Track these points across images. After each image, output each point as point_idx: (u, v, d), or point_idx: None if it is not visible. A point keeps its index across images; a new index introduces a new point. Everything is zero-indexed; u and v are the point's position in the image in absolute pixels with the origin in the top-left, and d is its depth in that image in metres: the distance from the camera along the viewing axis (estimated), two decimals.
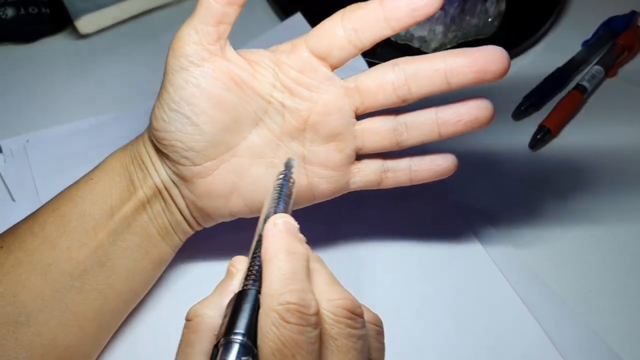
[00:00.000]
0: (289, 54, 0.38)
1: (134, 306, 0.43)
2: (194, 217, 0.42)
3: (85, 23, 0.62)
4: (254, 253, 0.30)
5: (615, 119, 0.57)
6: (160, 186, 0.41)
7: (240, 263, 0.30)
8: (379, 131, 0.40)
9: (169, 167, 0.40)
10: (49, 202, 0.41)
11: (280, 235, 0.29)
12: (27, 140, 0.55)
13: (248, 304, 0.27)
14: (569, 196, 0.52)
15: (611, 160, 0.54)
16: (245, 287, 0.28)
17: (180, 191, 0.41)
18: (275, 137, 0.39)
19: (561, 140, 0.56)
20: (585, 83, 0.58)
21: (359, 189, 0.42)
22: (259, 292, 0.28)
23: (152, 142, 0.40)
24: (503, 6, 0.60)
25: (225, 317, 0.28)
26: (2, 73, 0.62)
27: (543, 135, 0.55)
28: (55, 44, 0.64)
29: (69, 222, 0.40)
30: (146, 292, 0.43)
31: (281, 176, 0.33)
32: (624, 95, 0.59)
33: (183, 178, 0.40)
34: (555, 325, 0.43)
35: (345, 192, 0.42)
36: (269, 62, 0.39)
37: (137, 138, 0.42)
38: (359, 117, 0.40)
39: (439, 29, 0.58)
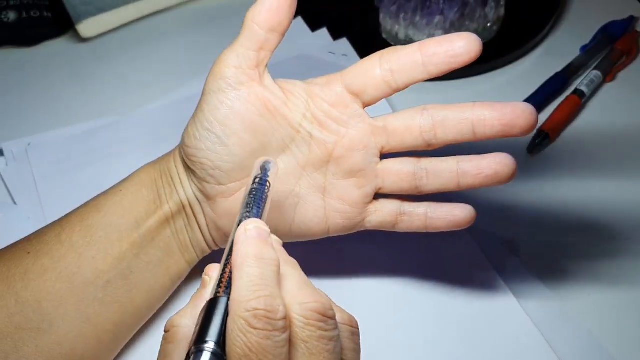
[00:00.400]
0: (323, 87, 0.39)
1: (146, 321, 0.43)
2: (212, 237, 0.42)
3: (87, 27, 0.63)
4: (226, 260, 0.30)
5: (613, 123, 0.57)
6: (185, 202, 0.41)
7: (214, 271, 0.31)
8: (399, 173, 0.40)
9: (195, 184, 0.41)
10: (76, 210, 0.42)
11: (250, 241, 0.29)
12: (29, 144, 0.56)
13: (219, 312, 0.28)
14: (567, 201, 0.52)
15: (610, 165, 0.54)
16: (216, 295, 0.29)
17: (202, 209, 0.41)
18: (299, 166, 0.40)
19: (559, 145, 0.56)
20: (583, 88, 0.58)
21: (373, 229, 0.42)
22: (230, 299, 0.28)
23: (182, 158, 0.41)
24: (502, 11, 0.61)
25: (196, 326, 0.28)
26: (3, 76, 0.63)
27: (541, 140, 0.55)
28: (57, 48, 0.65)
29: (95, 232, 0.40)
30: (159, 306, 0.44)
31: (257, 180, 0.33)
32: (622, 100, 0.59)
33: (207, 196, 0.40)
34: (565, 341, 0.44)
35: (359, 229, 0.42)
36: (302, 93, 0.40)
37: (169, 153, 0.43)
38: (383, 157, 0.40)
39: (439, 34, 0.58)
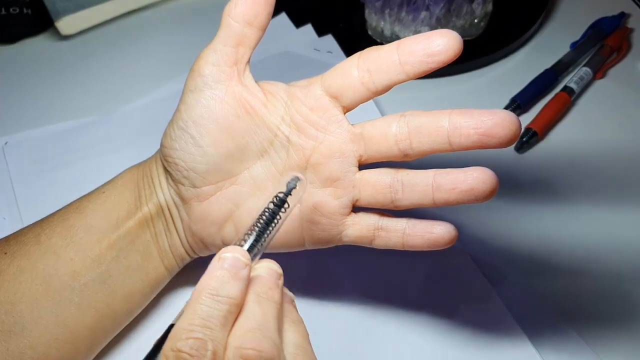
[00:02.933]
0: (303, 89, 0.38)
1: (123, 327, 0.42)
2: (188, 243, 0.41)
3: (66, 24, 0.62)
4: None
5: (603, 121, 0.57)
6: (164, 205, 0.40)
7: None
8: (376, 184, 0.37)
9: (172, 187, 0.39)
10: (58, 211, 0.41)
11: (216, 272, 0.28)
12: (6, 143, 0.55)
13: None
14: (555, 200, 0.51)
15: (599, 163, 0.53)
16: (173, 322, 0.28)
17: (179, 212, 0.40)
18: (277, 171, 0.38)
19: (548, 143, 0.55)
20: (573, 85, 0.57)
21: (351, 243, 0.39)
22: None
23: (161, 159, 0.40)
24: (490, 7, 0.60)
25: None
26: None
27: (529, 138, 0.54)
28: (37, 45, 0.64)
29: (75, 233, 0.39)
30: (137, 314, 0.43)
31: (276, 198, 0.31)
32: (612, 97, 0.58)
33: (182, 199, 0.39)
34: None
35: (336, 244, 0.40)
36: (283, 95, 0.38)
37: (152, 156, 0.42)
38: (362, 167, 0.38)
39: (425, 30, 0.57)
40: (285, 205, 0.31)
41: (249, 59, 0.38)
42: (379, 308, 0.45)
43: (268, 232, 0.30)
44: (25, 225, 0.42)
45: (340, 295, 0.46)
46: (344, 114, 0.38)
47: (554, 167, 0.53)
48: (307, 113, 0.37)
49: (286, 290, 0.30)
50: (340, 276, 0.47)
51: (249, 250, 0.30)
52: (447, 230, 0.37)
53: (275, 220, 0.31)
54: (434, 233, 0.37)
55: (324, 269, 0.47)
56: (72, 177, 0.52)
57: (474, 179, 0.35)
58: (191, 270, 0.44)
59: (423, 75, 0.35)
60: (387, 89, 0.36)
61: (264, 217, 0.31)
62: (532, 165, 0.53)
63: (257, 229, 0.30)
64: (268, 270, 0.30)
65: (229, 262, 0.28)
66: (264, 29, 0.37)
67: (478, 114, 0.34)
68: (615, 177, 0.52)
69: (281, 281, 0.30)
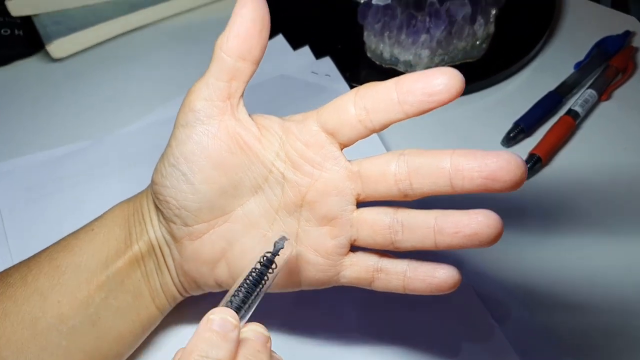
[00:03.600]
0: (299, 124, 0.36)
1: None
2: (180, 282, 0.40)
3: (58, 47, 0.60)
4: None
5: (609, 145, 0.55)
6: (155, 243, 0.39)
7: None
8: (374, 224, 0.35)
9: (163, 225, 0.38)
10: (46, 249, 0.40)
11: (205, 334, 0.28)
12: None
13: None
14: (560, 229, 0.49)
15: (605, 190, 0.52)
16: None
17: (170, 251, 0.39)
18: (272, 209, 0.37)
19: (552, 169, 0.53)
20: (577, 108, 0.56)
21: (349, 285, 0.38)
22: None
23: (152, 195, 0.38)
24: (492, 28, 0.58)
25: None
26: None
27: (533, 164, 0.52)
28: (28, 67, 0.62)
29: (63, 273, 0.38)
30: (129, 355, 0.41)
31: (263, 258, 0.31)
32: (618, 120, 0.57)
33: (174, 237, 0.38)
34: None
35: (334, 285, 0.38)
36: (278, 129, 0.36)
37: (143, 191, 0.40)
38: (361, 204, 0.36)
39: (425, 53, 0.55)
40: (273, 266, 0.30)
41: (243, 93, 0.36)
42: (379, 343, 0.43)
43: (256, 292, 0.30)
44: (15, 259, 0.40)
45: (339, 329, 0.44)
46: (341, 150, 0.36)
47: (558, 194, 0.52)
48: (303, 149, 0.36)
49: (274, 353, 0.30)
50: (339, 309, 0.45)
51: (237, 311, 0.29)
52: (450, 274, 0.35)
53: (263, 281, 0.30)
54: (436, 277, 0.35)
55: (323, 303, 0.45)
56: (64, 207, 0.51)
57: (478, 223, 0.33)
58: (183, 308, 0.42)
59: (423, 114, 0.34)
60: (385, 127, 0.35)
61: (251, 277, 0.30)
62: (537, 192, 0.52)
63: (244, 289, 0.30)
64: (255, 333, 0.29)
65: (218, 323, 0.28)
66: (258, 63, 0.36)
67: (481, 155, 0.33)
68: (622, 205, 0.51)
69: (269, 344, 0.29)
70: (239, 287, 0.30)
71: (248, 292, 0.30)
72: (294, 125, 0.36)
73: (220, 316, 0.28)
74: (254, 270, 0.30)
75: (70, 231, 0.40)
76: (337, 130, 0.35)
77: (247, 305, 0.30)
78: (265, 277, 0.30)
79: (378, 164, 0.35)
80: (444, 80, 0.33)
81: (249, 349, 0.28)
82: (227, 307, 0.30)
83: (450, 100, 0.33)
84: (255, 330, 0.29)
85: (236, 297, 0.29)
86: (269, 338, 0.30)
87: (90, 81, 0.61)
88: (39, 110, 0.59)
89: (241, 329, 0.29)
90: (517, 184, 0.33)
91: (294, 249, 0.31)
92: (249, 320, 0.31)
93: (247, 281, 0.30)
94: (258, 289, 0.30)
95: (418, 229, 0.35)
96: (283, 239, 0.31)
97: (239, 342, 0.28)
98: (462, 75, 0.33)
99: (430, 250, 0.35)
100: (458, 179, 0.33)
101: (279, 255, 0.31)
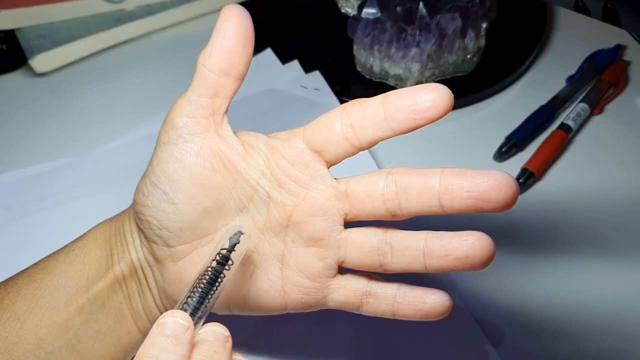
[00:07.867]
0: (284, 142, 0.35)
1: None
2: (164, 304, 0.38)
3: (41, 61, 0.59)
4: None
5: (602, 159, 0.54)
6: (137, 264, 0.37)
7: None
8: (363, 246, 0.34)
9: (145, 245, 0.37)
10: (24, 271, 0.38)
11: (157, 340, 0.27)
12: None
13: None
14: (555, 245, 0.49)
15: (600, 204, 0.51)
16: None
17: (153, 273, 0.37)
18: (257, 229, 0.35)
19: (545, 184, 0.53)
20: (570, 122, 0.55)
21: (336, 308, 0.36)
22: None
23: (134, 215, 0.37)
24: (483, 41, 0.58)
25: None
26: None
27: (526, 179, 0.52)
28: (10, 82, 0.61)
29: (42, 296, 0.36)
30: None
31: (218, 255, 0.29)
32: (610, 133, 0.56)
33: (156, 258, 0.36)
34: None
35: (321, 308, 0.37)
36: (263, 147, 0.35)
37: (126, 210, 0.39)
38: (349, 224, 0.35)
39: (415, 67, 0.55)
40: (229, 263, 0.29)
41: (227, 109, 0.35)
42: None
43: (212, 292, 0.29)
44: None
45: (331, 352, 0.43)
46: (328, 168, 0.35)
47: (551, 210, 0.51)
48: (289, 167, 0.35)
49: (237, 354, 0.29)
50: (332, 329, 0.44)
51: (193, 313, 0.29)
52: (440, 300, 0.34)
53: (219, 280, 0.29)
54: (426, 303, 0.34)
55: (315, 325, 0.44)
56: (46, 225, 0.50)
57: (468, 246, 0.32)
58: None
59: (412, 131, 0.33)
60: (372, 144, 0.34)
61: (207, 277, 0.29)
62: (530, 208, 0.51)
63: (200, 289, 0.29)
64: (213, 334, 0.28)
65: (170, 327, 0.27)
66: (242, 78, 0.35)
67: (471, 175, 0.32)
68: (616, 220, 0.50)
69: (229, 344, 0.28)
70: (195, 287, 0.29)
71: (204, 292, 0.29)
72: (280, 143, 0.35)
73: (172, 319, 0.27)
74: (209, 268, 0.29)
75: (51, 251, 0.39)
76: (323, 148, 0.34)
77: (203, 306, 0.29)
78: (222, 275, 0.29)
79: (365, 183, 0.34)
80: (432, 97, 0.32)
81: (205, 351, 0.27)
82: (183, 309, 0.29)
83: (438, 118, 0.32)
84: (213, 331, 0.28)
85: (192, 299, 0.29)
86: (229, 338, 0.29)
87: (74, 96, 0.59)
88: (21, 126, 0.57)
89: (199, 331, 0.29)
90: (509, 205, 0.31)
91: (251, 242, 0.30)
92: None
93: (203, 281, 0.29)
94: (214, 288, 0.29)
95: (407, 251, 0.34)
96: (239, 233, 0.30)
97: (192, 345, 0.27)
98: (450, 91, 0.32)
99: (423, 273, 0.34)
100: (447, 199, 0.32)
101: (234, 250, 0.30)
